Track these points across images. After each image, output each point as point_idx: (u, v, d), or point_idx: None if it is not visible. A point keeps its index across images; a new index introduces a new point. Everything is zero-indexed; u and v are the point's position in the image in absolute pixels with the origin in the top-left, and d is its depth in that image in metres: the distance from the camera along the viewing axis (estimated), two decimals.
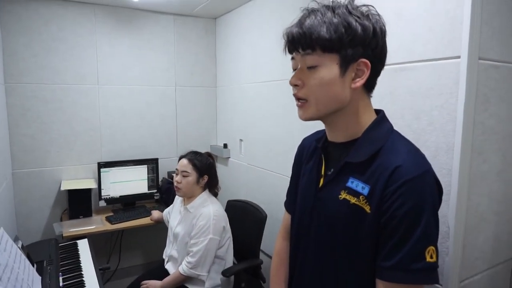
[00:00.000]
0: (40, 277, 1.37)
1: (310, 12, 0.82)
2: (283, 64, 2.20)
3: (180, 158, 2.00)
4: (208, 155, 2.07)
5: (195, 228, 1.85)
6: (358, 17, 0.79)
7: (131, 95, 2.77)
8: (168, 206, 2.38)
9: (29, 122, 2.43)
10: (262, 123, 2.46)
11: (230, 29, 2.85)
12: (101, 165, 2.57)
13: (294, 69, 0.87)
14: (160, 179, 2.82)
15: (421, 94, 1.04)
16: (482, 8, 0.93)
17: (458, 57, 0.94)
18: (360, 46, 0.79)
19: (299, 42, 0.81)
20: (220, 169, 3.07)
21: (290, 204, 1.10)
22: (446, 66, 0.97)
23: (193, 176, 1.93)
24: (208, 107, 3.13)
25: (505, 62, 1.02)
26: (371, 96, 0.89)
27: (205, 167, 1.97)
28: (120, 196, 2.65)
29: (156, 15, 2.81)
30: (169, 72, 2.92)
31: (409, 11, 1.06)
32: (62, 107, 2.52)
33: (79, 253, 1.76)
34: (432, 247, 0.77)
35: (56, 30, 2.46)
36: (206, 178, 1.97)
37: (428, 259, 0.76)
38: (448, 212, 0.98)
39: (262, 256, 2.22)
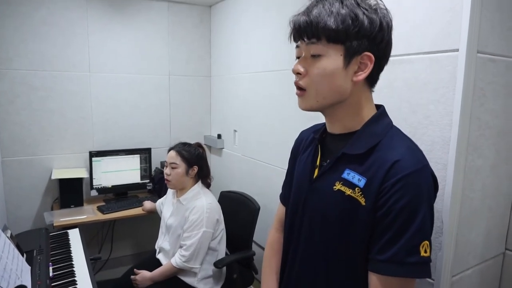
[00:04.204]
0: (30, 267, 1.35)
1: (318, 1, 0.81)
2: (278, 55, 2.17)
3: (169, 150, 1.98)
4: (198, 145, 2.05)
5: (188, 221, 1.84)
6: (366, 9, 0.79)
7: (123, 83, 2.72)
8: (160, 196, 2.36)
9: (19, 110, 2.38)
10: (256, 114, 2.44)
11: (226, 17, 2.80)
12: (93, 154, 2.53)
13: (297, 57, 0.86)
14: (153, 169, 2.80)
15: (418, 88, 1.03)
16: (482, 1, 0.91)
17: (457, 50, 0.92)
18: (365, 39, 0.79)
19: (305, 30, 0.80)
20: (214, 159, 3.06)
21: (285, 196, 1.10)
22: (444, 59, 0.95)
23: (182, 167, 1.91)
24: (202, 97, 3.09)
25: (502, 56, 1.01)
26: (372, 91, 0.89)
27: (194, 158, 1.95)
28: (112, 186, 2.63)
29: (149, 2, 2.75)
30: (162, 60, 2.87)
31: (408, 2, 1.04)
32: (52, 95, 2.47)
33: (70, 243, 1.74)
34: (426, 242, 0.78)
35: (47, 14, 2.39)
36: (195, 169, 1.95)
37: (422, 253, 0.77)
38: (442, 207, 0.97)
39: (254, 247, 2.23)
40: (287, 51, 2.04)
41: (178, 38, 2.91)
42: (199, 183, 1.99)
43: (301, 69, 0.84)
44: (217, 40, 2.96)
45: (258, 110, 2.41)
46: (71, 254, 1.62)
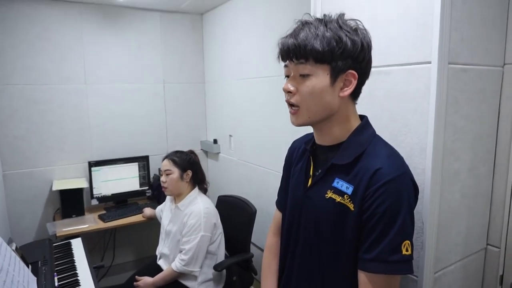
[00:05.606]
0: (36, 278, 1.40)
1: (304, 24, 0.88)
2: (268, 62, 2.23)
3: (163, 160, 2.05)
4: (191, 152, 2.12)
5: (186, 226, 1.90)
6: (348, 32, 0.86)
7: (119, 93, 2.78)
8: (159, 202, 2.42)
9: (18, 123, 2.44)
10: (250, 119, 2.50)
11: (217, 25, 2.86)
12: (92, 164, 2.59)
13: (286, 76, 0.93)
14: (151, 176, 2.86)
15: (397, 97, 1.09)
16: (451, 15, 0.97)
17: (429, 62, 0.98)
18: (349, 58, 0.86)
19: (294, 52, 0.87)
20: (211, 164, 3.12)
21: (281, 203, 1.18)
22: (418, 70, 1.02)
23: (176, 173, 1.97)
24: (197, 103, 3.15)
25: (473, 65, 1.08)
26: (356, 103, 0.96)
27: (186, 163, 2.01)
28: (112, 194, 2.68)
29: (142, 12, 2.80)
30: (157, 69, 2.93)
31: (384, 17, 1.10)
32: (50, 107, 2.53)
33: (73, 252, 1.80)
34: (407, 241, 0.85)
35: (42, 30, 2.45)
36: (190, 173, 2.01)
37: (404, 252, 0.84)
38: (422, 209, 1.04)
39: (253, 249, 2.29)
40: (275, 59, 2.09)
41: (171, 46, 2.96)
42: (196, 189, 2.05)
43: (291, 88, 0.90)
44: (210, 47, 3.02)
45: (252, 115, 2.47)
46: (75, 263, 1.68)
